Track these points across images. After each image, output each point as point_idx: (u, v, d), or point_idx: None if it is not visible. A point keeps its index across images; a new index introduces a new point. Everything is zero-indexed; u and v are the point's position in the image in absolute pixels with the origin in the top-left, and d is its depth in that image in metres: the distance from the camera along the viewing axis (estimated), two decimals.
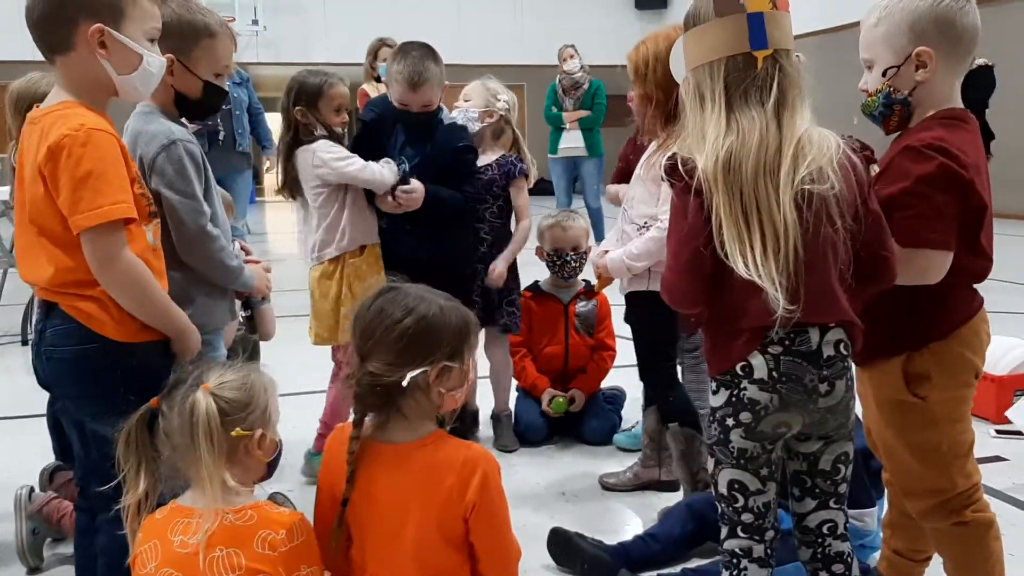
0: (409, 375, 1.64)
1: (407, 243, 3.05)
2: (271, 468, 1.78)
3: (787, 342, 1.62)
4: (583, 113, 8.16)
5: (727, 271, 1.59)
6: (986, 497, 1.95)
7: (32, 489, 2.66)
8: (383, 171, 2.97)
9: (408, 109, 3.03)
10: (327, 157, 2.94)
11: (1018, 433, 3.43)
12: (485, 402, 3.60)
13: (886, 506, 2.18)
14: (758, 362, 1.62)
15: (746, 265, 1.55)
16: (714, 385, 1.69)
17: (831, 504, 1.72)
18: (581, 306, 3.64)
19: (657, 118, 2.54)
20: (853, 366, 1.69)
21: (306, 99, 3.01)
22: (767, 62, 1.62)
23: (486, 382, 3.52)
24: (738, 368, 1.63)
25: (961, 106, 1.86)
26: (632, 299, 2.69)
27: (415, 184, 2.98)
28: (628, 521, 2.81)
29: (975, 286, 1.90)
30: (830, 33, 12.66)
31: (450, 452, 1.69)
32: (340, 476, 1.71)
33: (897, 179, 1.77)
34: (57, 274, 1.78)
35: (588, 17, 16.44)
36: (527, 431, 3.48)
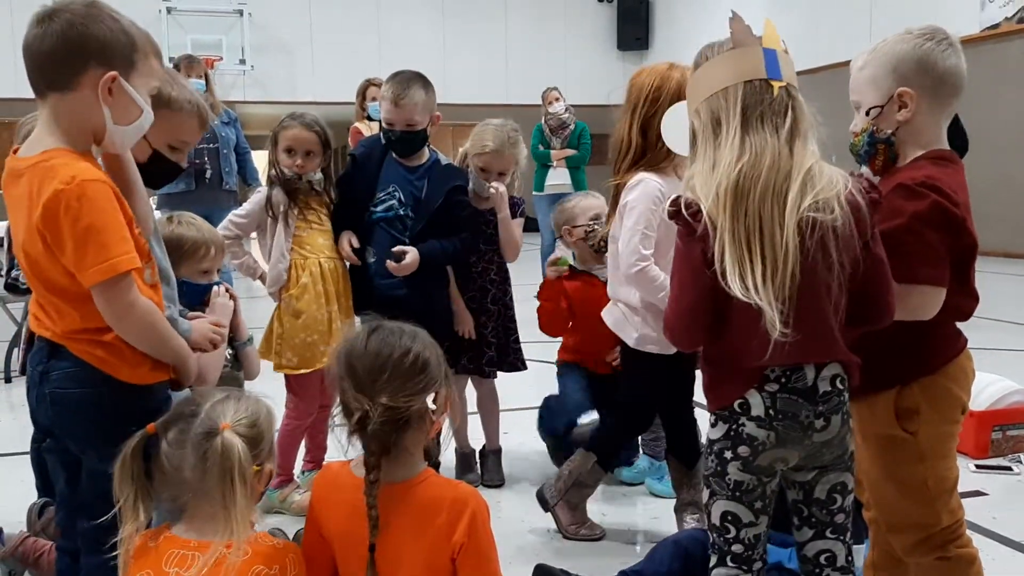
0: (430, 399, 1.68)
1: (394, 287, 3.07)
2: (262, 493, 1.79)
3: (783, 379, 1.65)
4: (570, 152, 8.30)
5: (729, 311, 1.62)
6: (967, 532, 1.98)
7: (1, 531, 2.63)
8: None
9: (393, 128, 3.09)
10: (233, 219, 3.19)
11: (998, 468, 3.47)
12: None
13: (868, 547, 2.19)
14: (756, 400, 1.65)
15: (744, 287, 1.57)
16: (712, 419, 1.72)
17: (827, 534, 1.73)
18: None
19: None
20: (848, 400, 1.71)
21: (271, 138, 3.11)
22: (782, 92, 1.67)
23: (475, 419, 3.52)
24: (736, 405, 1.66)
25: (948, 148, 1.90)
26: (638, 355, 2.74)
27: (408, 260, 3.02)
28: (614, 557, 2.81)
29: (960, 325, 1.93)
30: (812, 74, 12.88)
31: (440, 491, 1.70)
32: (329, 515, 1.71)
33: (890, 216, 1.80)
34: (68, 325, 1.78)
35: (572, 58, 16.67)
36: (571, 407, 3.26)
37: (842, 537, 1.74)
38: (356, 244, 3.07)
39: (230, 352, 2.42)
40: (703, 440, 1.83)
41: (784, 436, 1.65)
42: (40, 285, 1.79)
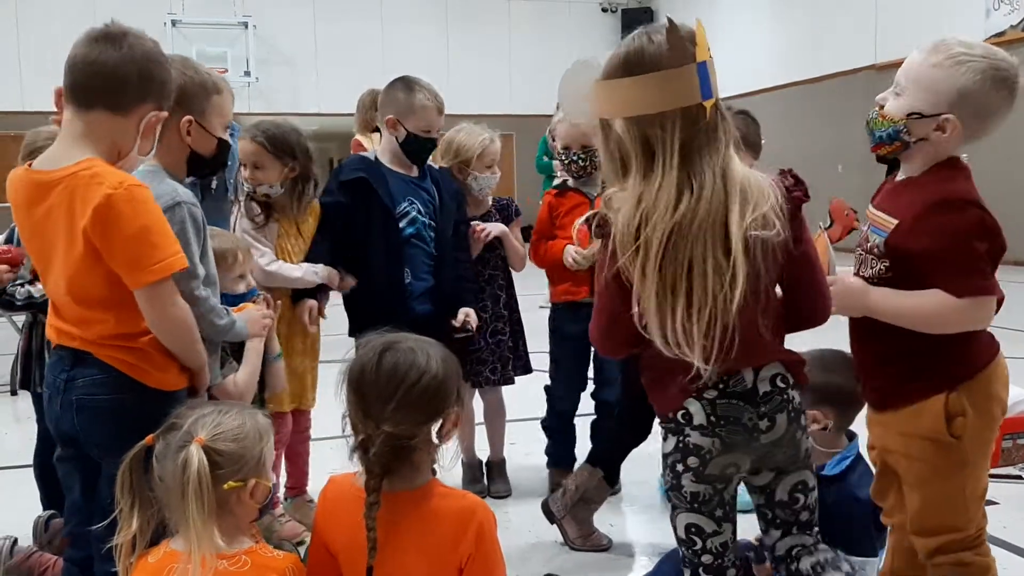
0: (434, 429, 1.66)
1: (424, 306, 3.07)
2: (263, 510, 1.78)
3: (721, 385, 1.64)
4: None
5: None
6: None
7: (15, 542, 2.62)
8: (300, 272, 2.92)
9: (430, 135, 3.07)
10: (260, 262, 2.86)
11: (1008, 476, 3.44)
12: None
13: (884, 556, 2.18)
14: (696, 408, 1.65)
15: (665, 338, 1.56)
16: (663, 432, 1.72)
17: (794, 531, 1.75)
18: None
19: None
20: (796, 397, 1.70)
21: None
22: (712, 111, 1.60)
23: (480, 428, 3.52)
24: (679, 415, 1.66)
25: (958, 155, 1.91)
26: None
27: (473, 326, 3.10)
28: (622, 568, 2.79)
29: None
30: (816, 82, 12.87)
31: (447, 502, 1.69)
32: (336, 529, 1.70)
33: (937, 233, 1.80)
34: (101, 331, 1.82)
35: None
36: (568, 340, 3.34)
37: (809, 531, 1.75)
38: (316, 315, 2.98)
39: None
40: None
41: (729, 441, 1.64)
42: (71, 296, 1.82)
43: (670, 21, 1.61)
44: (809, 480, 1.74)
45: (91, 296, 1.81)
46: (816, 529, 1.76)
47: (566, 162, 3.33)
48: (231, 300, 2.27)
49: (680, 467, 1.67)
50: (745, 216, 1.56)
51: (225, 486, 1.63)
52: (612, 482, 2.92)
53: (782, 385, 1.67)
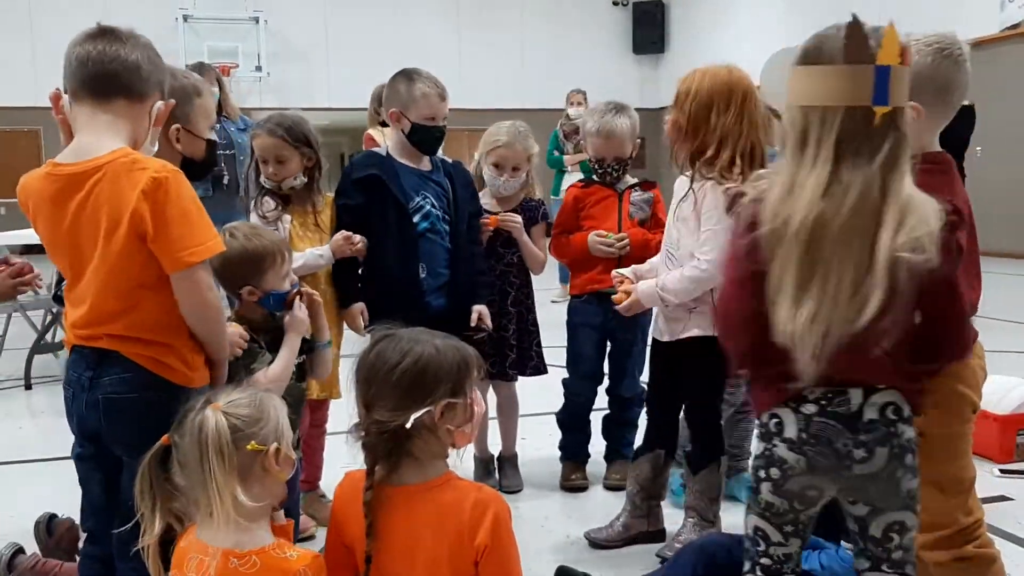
0: (412, 417, 1.63)
1: (439, 300, 3.08)
2: (290, 488, 1.77)
3: (823, 401, 1.58)
4: (583, 156, 8.27)
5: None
6: (991, 537, 1.96)
7: (16, 551, 2.59)
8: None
9: (436, 123, 3.06)
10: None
11: (1023, 472, 3.42)
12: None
13: None
14: (790, 420, 1.60)
15: (792, 327, 1.50)
16: (756, 432, 1.69)
17: (884, 568, 1.65)
18: (637, 195, 3.36)
19: (683, 149, 2.62)
20: (906, 433, 1.58)
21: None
22: (884, 119, 1.52)
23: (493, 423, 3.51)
24: (772, 424, 1.62)
25: (938, 149, 1.89)
26: (682, 345, 2.68)
27: (488, 324, 3.15)
28: (636, 562, 2.79)
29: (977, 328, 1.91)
30: None
31: (461, 494, 1.68)
32: (351, 522, 1.70)
33: None
34: (138, 320, 1.83)
35: (587, 62, 16.63)
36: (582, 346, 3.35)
37: (900, 571, 1.65)
38: (367, 319, 3.00)
39: (297, 359, 2.37)
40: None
41: (815, 463, 1.57)
42: (114, 283, 1.81)
43: (854, 18, 1.55)
44: (908, 521, 1.62)
45: (133, 280, 1.81)
46: (912, 567, 1.65)
47: (599, 171, 3.34)
48: (278, 296, 2.26)
49: (762, 474, 1.63)
50: (899, 235, 1.49)
51: (249, 446, 1.62)
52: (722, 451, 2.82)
53: (892, 416, 1.57)
